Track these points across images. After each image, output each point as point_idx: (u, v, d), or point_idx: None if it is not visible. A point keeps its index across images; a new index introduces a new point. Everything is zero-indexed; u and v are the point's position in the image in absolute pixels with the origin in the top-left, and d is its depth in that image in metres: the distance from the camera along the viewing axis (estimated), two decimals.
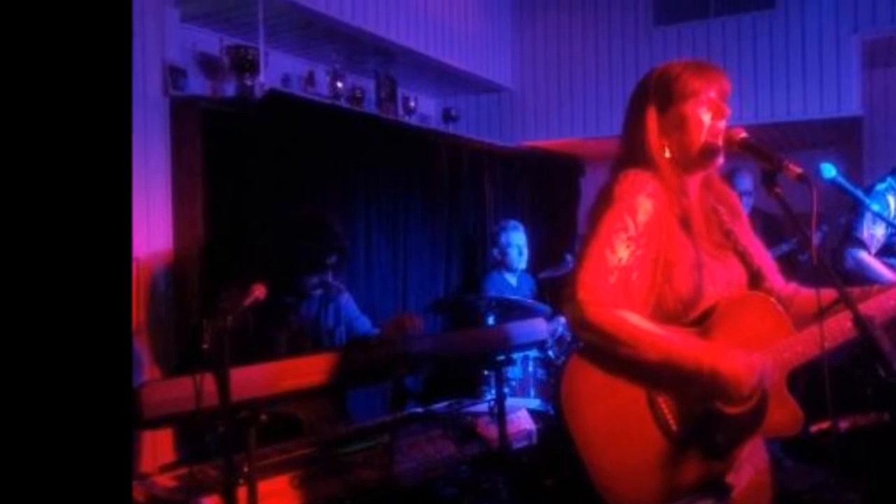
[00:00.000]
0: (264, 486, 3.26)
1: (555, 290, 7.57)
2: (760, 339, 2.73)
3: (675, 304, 2.72)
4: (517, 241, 7.65)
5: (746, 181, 7.16)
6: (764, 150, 2.66)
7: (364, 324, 5.10)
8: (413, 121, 8.38)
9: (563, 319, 6.33)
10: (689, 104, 2.78)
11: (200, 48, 6.48)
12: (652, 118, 2.82)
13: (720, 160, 2.83)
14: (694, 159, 2.81)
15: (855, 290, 2.87)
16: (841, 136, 9.20)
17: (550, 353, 6.43)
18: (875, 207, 5.35)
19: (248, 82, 6.15)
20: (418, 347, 3.98)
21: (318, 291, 4.93)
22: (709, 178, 2.95)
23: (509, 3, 9.62)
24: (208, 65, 6.50)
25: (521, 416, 4.80)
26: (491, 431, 4.34)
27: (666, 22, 8.83)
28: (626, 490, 2.63)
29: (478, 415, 4.49)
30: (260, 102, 6.08)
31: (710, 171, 2.91)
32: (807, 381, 2.84)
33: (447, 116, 9.04)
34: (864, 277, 5.35)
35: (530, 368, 6.39)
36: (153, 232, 5.76)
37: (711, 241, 2.83)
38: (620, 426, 2.64)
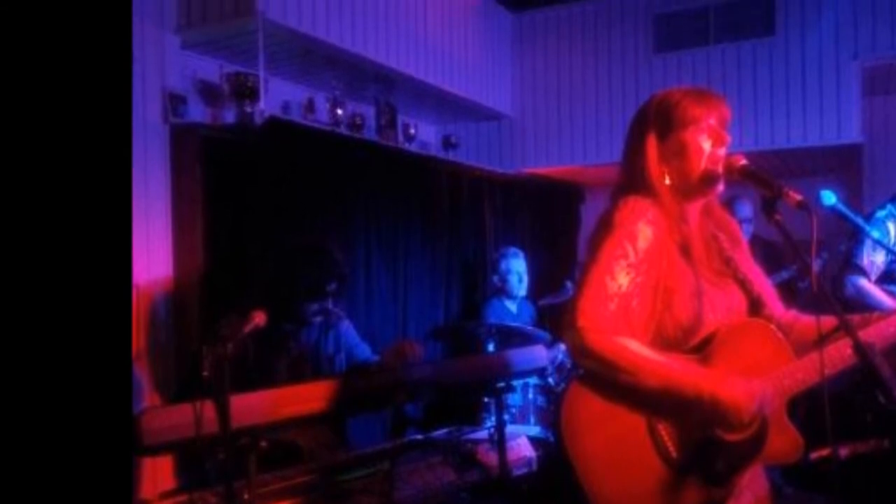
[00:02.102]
0: None
1: (555, 317, 7.58)
2: (760, 366, 2.73)
3: (674, 331, 2.72)
4: (517, 268, 7.66)
5: (746, 208, 7.17)
6: (764, 177, 2.67)
7: (364, 351, 5.10)
8: (413, 148, 8.37)
9: (563, 346, 6.32)
10: (689, 131, 2.78)
11: (200, 75, 6.49)
12: (652, 145, 2.83)
13: (720, 187, 2.84)
14: (694, 186, 2.81)
15: (855, 317, 2.87)
16: (841, 164, 9.20)
17: (550, 380, 6.42)
18: (875, 234, 5.36)
19: (248, 109, 6.15)
20: (418, 374, 3.98)
21: (319, 318, 4.93)
22: (709, 205, 2.96)
23: (509, 30, 9.65)
24: (208, 92, 6.51)
25: (521, 443, 4.79)
26: (491, 458, 4.33)
27: (666, 49, 8.85)
28: None
29: (478, 442, 4.48)
30: (260, 129, 6.09)
31: (710, 198, 2.92)
32: (807, 408, 2.84)
33: (447, 143, 9.04)
34: (864, 304, 5.36)
35: (530, 395, 6.38)
36: (153, 259, 5.77)
37: (711, 268, 2.83)
38: (620, 453, 2.64)
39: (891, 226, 5.56)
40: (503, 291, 7.74)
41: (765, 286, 3.03)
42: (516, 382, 5.31)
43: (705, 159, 2.78)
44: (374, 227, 7.33)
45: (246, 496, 3.03)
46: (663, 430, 2.65)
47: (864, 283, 5.55)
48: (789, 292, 7.02)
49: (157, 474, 5.55)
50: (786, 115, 8.28)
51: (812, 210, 2.50)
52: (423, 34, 8.02)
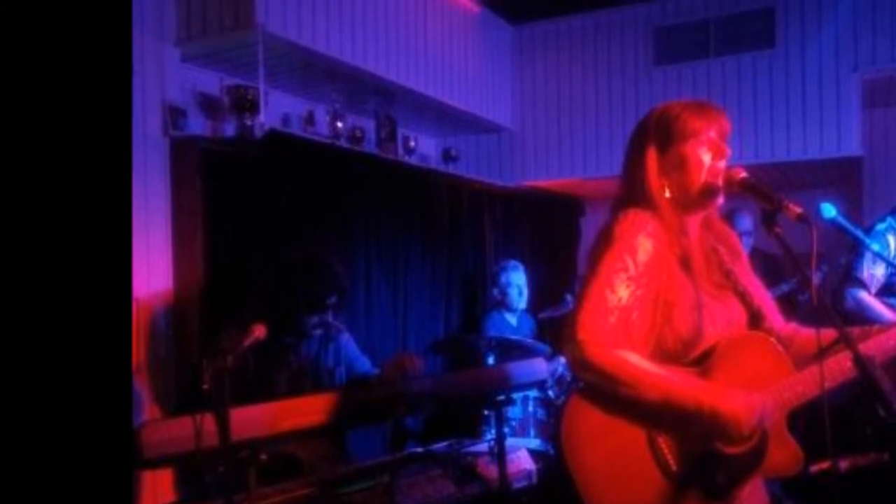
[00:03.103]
0: None
1: (555, 330, 7.57)
2: (760, 379, 2.73)
3: (675, 344, 2.72)
4: (517, 281, 7.66)
5: (746, 221, 7.17)
6: (764, 190, 2.67)
7: (364, 364, 5.09)
8: (413, 161, 8.36)
9: (563, 359, 6.31)
10: (689, 144, 2.79)
11: (200, 88, 6.48)
12: (652, 158, 2.83)
13: (720, 200, 2.84)
14: (694, 199, 2.81)
15: (855, 330, 2.87)
16: (841, 176, 9.19)
17: (550, 392, 6.42)
18: (875, 247, 5.35)
19: (248, 122, 6.14)
20: (418, 387, 3.97)
21: (319, 331, 4.92)
22: (709, 217, 2.96)
23: (509, 43, 9.64)
24: (208, 105, 6.50)
25: (522, 456, 4.79)
26: (491, 471, 4.33)
27: (666, 62, 8.84)
28: None
29: (478, 455, 4.47)
30: (260, 142, 6.08)
31: (710, 210, 2.92)
32: (807, 420, 2.84)
33: (447, 156, 9.03)
34: (864, 317, 5.35)
35: (530, 408, 6.37)
36: (153, 272, 5.76)
37: (711, 281, 2.83)
38: (620, 466, 2.63)
39: (891, 238, 5.56)
40: (503, 304, 7.73)
41: (765, 299, 3.03)
42: (516, 395, 5.32)
43: (705, 172, 2.78)
44: (374, 240, 7.32)
45: None
46: (663, 442, 2.65)
47: (864, 295, 5.55)
48: (789, 305, 7.02)
49: (157, 487, 5.54)
50: (786, 128, 8.28)
51: (812, 223, 2.50)
52: (423, 47, 8.02)
